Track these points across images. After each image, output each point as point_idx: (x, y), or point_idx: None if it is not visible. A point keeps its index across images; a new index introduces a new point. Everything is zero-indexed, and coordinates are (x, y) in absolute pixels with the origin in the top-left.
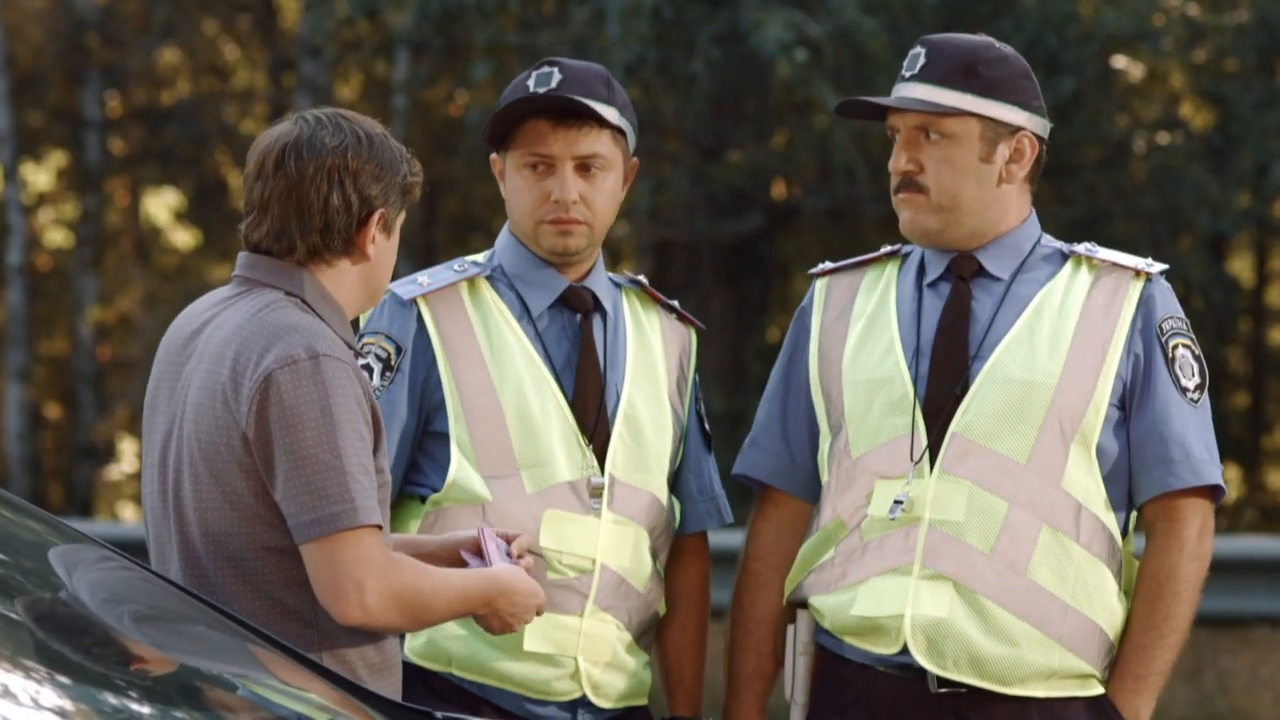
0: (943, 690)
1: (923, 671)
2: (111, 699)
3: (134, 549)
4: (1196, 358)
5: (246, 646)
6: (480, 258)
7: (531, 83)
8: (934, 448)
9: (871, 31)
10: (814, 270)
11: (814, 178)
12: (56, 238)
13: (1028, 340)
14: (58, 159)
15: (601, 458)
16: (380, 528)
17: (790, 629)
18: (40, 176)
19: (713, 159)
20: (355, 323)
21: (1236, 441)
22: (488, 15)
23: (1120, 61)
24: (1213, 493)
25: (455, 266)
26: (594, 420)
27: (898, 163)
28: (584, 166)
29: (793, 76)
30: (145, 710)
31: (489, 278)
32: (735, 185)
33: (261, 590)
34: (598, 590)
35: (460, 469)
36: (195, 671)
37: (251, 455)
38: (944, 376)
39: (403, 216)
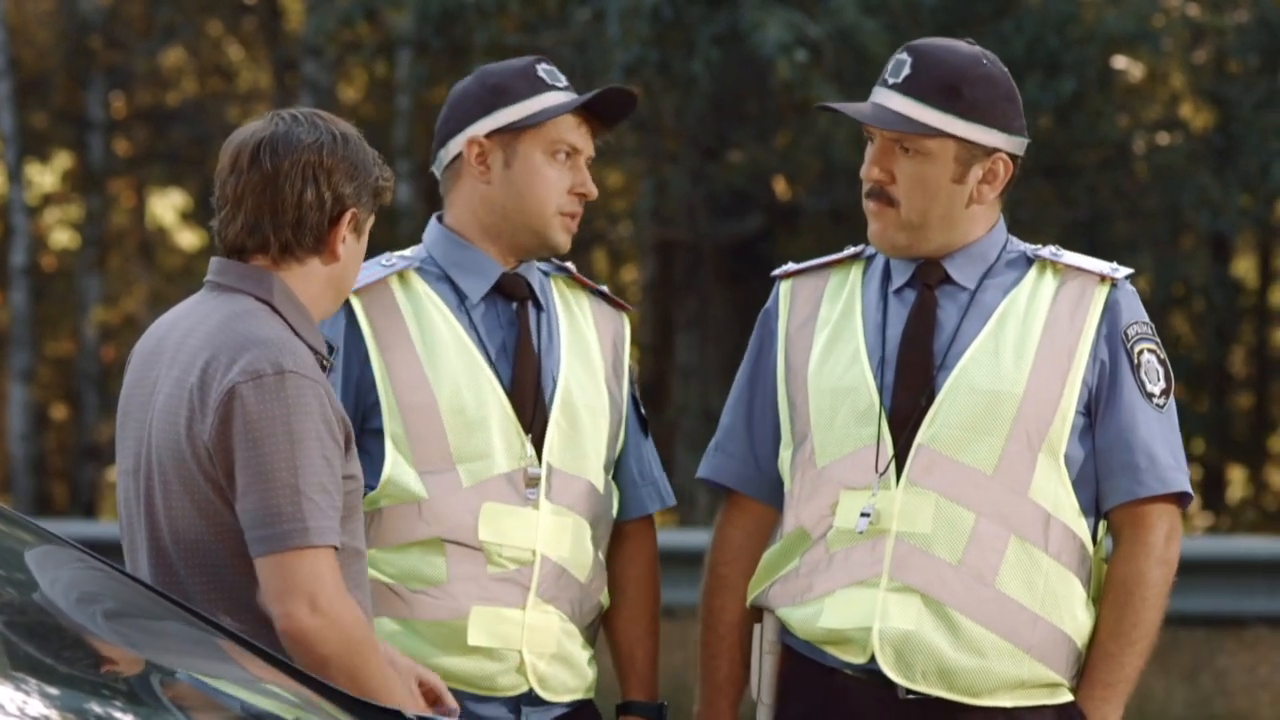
0: (910, 697)
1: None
2: (80, 699)
3: None
4: (1162, 362)
5: (216, 644)
6: (409, 252)
7: (544, 75)
8: (900, 459)
9: (871, 32)
10: (777, 272)
11: (815, 178)
12: (61, 239)
13: (993, 349)
14: (62, 160)
15: (540, 447)
16: (335, 549)
17: (757, 628)
18: (45, 178)
19: (714, 159)
20: None
21: (1240, 443)
22: (488, 16)
23: (1121, 62)
24: (1180, 499)
25: (384, 261)
26: (532, 409)
27: (870, 171)
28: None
29: (793, 77)
30: (114, 710)
31: (419, 270)
32: (736, 186)
33: (234, 597)
34: (539, 582)
35: (395, 465)
36: (164, 670)
37: (215, 465)
38: (910, 387)
39: (371, 220)
